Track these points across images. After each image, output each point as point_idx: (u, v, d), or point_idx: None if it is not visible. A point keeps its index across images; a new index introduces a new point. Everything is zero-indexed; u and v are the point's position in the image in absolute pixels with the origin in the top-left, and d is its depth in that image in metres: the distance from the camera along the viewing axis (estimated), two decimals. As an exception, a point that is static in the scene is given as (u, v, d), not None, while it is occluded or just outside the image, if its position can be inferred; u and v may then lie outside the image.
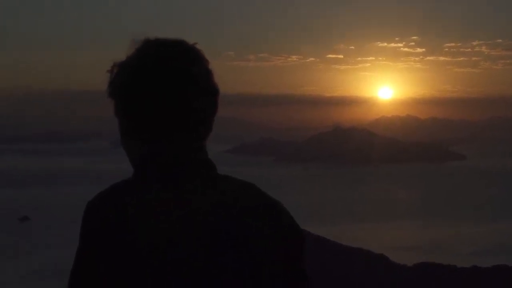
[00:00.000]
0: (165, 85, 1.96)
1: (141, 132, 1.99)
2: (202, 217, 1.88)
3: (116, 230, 1.94)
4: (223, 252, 1.85)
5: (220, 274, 1.85)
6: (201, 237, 1.87)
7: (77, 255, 2.04)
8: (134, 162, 2.04)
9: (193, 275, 1.86)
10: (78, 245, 2.04)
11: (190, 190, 1.94)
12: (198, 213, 1.89)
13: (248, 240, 1.86)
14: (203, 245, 1.86)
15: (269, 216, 1.89)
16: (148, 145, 1.99)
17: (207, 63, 2.01)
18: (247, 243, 1.85)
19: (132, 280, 1.90)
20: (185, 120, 1.97)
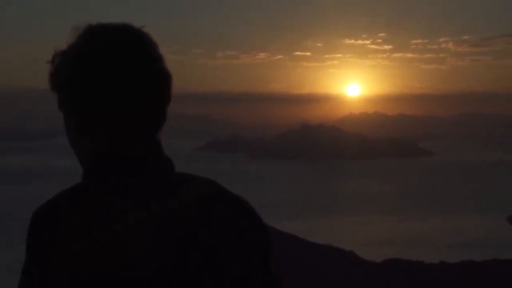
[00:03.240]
0: (122, 74, 1.75)
1: (93, 129, 1.78)
2: (162, 219, 1.73)
3: (70, 239, 1.76)
4: (188, 253, 1.71)
5: (186, 277, 1.71)
6: (163, 240, 1.71)
7: (25, 269, 1.84)
8: (85, 162, 1.83)
9: (157, 280, 1.71)
10: (26, 258, 1.84)
11: (149, 190, 1.76)
12: (158, 214, 1.73)
13: (213, 239, 1.71)
14: (166, 248, 1.71)
15: (233, 214, 1.75)
16: (102, 143, 1.79)
17: (157, 47, 1.82)
18: (212, 243, 1.71)
19: None
20: (144, 111, 1.78)
